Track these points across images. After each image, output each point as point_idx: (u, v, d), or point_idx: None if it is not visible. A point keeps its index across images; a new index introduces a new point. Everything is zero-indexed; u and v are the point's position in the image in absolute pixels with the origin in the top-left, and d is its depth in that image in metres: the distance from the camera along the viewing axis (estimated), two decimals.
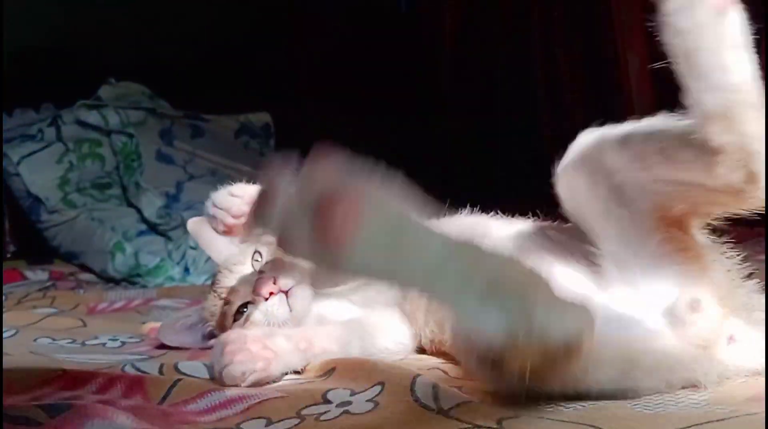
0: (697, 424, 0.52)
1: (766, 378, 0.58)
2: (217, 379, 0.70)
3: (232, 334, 0.73)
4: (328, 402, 0.61)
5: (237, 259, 0.89)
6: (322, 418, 0.58)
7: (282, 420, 0.59)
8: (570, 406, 0.58)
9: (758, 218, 0.61)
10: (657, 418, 0.55)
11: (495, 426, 0.54)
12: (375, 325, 0.81)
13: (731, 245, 0.67)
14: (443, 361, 0.76)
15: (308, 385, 0.67)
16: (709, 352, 0.60)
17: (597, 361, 0.56)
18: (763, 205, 0.59)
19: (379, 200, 0.47)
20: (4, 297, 1.45)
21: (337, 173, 0.47)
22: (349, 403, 0.60)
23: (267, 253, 0.87)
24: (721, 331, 0.61)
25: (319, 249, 0.45)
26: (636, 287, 0.63)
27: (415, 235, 0.48)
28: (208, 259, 1.78)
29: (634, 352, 0.58)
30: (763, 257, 1.35)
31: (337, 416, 0.59)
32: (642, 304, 0.62)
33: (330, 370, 0.70)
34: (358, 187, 0.46)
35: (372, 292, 0.83)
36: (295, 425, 0.58)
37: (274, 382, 0.71)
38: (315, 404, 0.61)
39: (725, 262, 0.66)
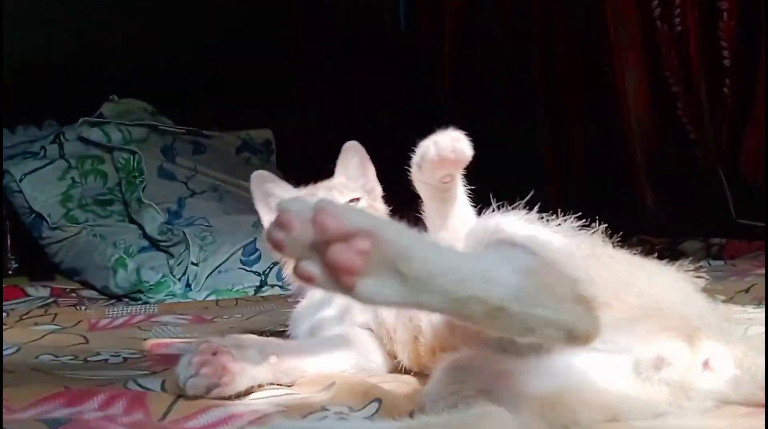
0: None
1: (767, 382, 0.58)
2: (179, 389, 0.69)
3: (202, 345, 0.72)
4: (326, 410, 0.61)
5: (342, 189, 0.97)
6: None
7: None
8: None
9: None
10: None
11: None
12: (355, 343, 0.82)
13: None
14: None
15: (307, 399, 0.67)
16: (685, 389, 0.60)
17: (581, 407, 0.58)
18: None
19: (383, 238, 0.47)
20: (5, 314, 1.45)
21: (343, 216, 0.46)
22: (347, 416, 0.61)
23: (365, 203, 0.95)
24: (691, 374, 0.61)
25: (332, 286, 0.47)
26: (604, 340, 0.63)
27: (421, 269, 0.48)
28: (210, 274, 1.80)
29: (615, 399, 0.59)
30: (762, 271, 1.35)
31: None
32: (613, 356, 0.62)
33: (329, 385, 0.70)
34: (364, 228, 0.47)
35: (352, 312, 0.84)
36: None
37: (240, 395, 0.71)
38: (313, 413, 0.61)
39: (692, 295, 0.66)
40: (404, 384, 0.69)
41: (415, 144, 0.89)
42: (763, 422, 0.54)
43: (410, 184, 0.94)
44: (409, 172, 0.91)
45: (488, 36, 2.97)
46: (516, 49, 2.91)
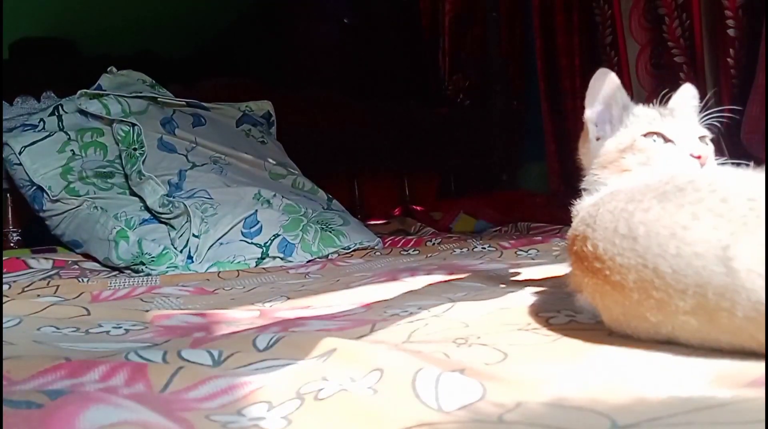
0: (701, 409, 0.52)
1: (766, 368, 0.58)
2: None
3: None
4: (326, 380, 0.61)
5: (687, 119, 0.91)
6: (320, 395, 0.59)
7: (283, 403, 0.59)
8: (572, 390, 0.58)
9: None
10: (661, 402, 0.55)
11: (496, 422, 0.54)
12: None
13: None
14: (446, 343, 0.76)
15: (307, 369, 0.67)
16: None
17: None
18: None
19: None
20: (8, 286, 1.46)
21: None
22: (347, 387, 0.61)
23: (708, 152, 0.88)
24: None
25: None
26: None
27: None
28: (211, 246, 1.80)
29: None
30: None
31: (336, 392, 0.59)
32: None
33: (330, 351, 0.70)
34: None
35: None
36: (296, 408, 0.58)
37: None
38: (313, 381, 0.61)
39: None
40: (408, 353, 0.69)
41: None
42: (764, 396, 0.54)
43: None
44: None
45: (489, 3, 2.95)
46: (516, 19, 2.89)
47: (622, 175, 0.86)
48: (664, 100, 0.94)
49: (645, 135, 0.86)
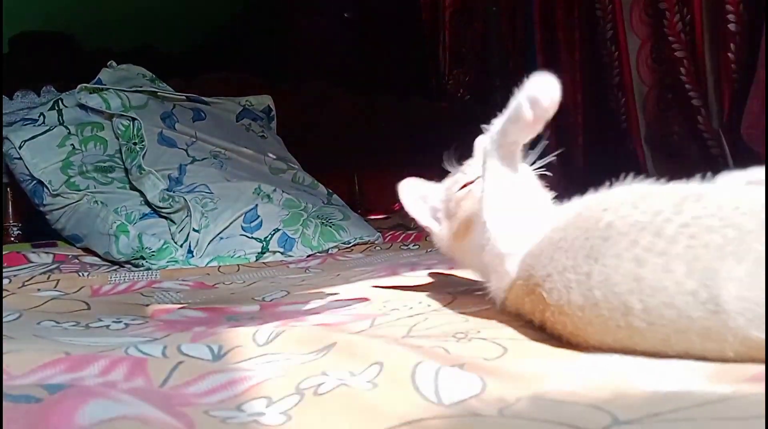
0: (701, 404, 0.52)
1: (766, 365, 0.58)
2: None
3: None
4: (326, 375, 0.61)
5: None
6: (320, 390, 0.59)
7: (282, 398, 0.59)
8: (573, 386, 0.58)
9: None
10: (662, 397, 0.55)
11: (496, 417, 0.53)
12: None
13: None
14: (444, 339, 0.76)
15: (307, 363, 0.67)
16: None
17: None
18: None
19: None
20: (8, 280, 1.46)
21: None
22: (347, 382, 0.61)
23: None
24: None
25: None
26: None
27: None
28: (211, 241, 1.80)
29: None
30: None
31: (336, 387, 0.59)
32: None
33: (331, 345, 0.70)
34: None
35: None
36: (296, 403, 0.58)
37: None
38: (313, 376, 0.61)
39: None
40: (407, 347, 0.69)
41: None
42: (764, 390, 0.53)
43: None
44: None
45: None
46: (517, 13, 2.88)
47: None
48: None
49: (458, 191, 1.02)
